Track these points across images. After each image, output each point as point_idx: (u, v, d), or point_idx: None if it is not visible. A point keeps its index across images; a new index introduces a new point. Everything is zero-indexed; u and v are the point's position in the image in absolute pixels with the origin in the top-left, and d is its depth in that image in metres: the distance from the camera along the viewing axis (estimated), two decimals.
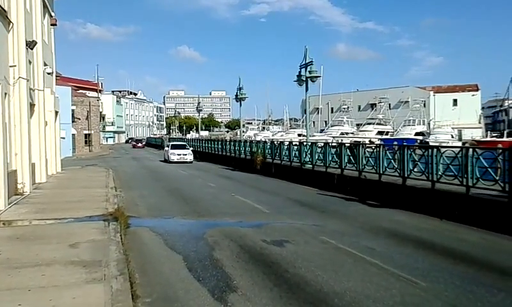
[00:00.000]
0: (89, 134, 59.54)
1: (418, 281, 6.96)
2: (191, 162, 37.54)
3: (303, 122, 78.44)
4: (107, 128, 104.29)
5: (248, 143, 33.69)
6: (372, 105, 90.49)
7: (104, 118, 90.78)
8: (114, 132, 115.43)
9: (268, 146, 28.77)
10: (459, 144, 43.14)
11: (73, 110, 53.12)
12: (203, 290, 6.66)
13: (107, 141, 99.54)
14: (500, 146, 14.04)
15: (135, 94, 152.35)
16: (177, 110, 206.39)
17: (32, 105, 18.99)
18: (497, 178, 11.60)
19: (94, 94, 72.51)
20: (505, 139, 51.39)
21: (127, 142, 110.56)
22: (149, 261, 8.38)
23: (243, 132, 62.28)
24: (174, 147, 40.34)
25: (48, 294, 5.95)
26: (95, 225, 10.58)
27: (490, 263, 8.19)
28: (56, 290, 6.15)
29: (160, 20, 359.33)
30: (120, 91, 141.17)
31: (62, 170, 26.36)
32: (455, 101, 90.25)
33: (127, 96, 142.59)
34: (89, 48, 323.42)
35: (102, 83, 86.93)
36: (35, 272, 6.89)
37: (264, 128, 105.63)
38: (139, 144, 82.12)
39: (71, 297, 5.85)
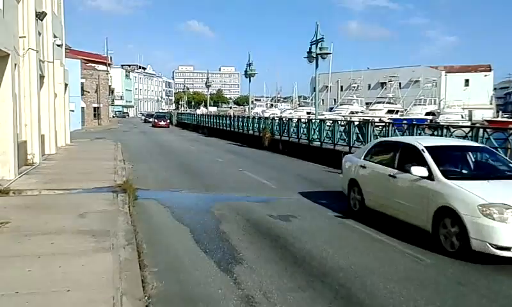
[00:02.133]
0: (98, 107, 59.69)
1: (424, 258, 6.97)
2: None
3: (311, 100, 78.01)
4: (116, 102, 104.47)
5: (256, 120, 33.64)
6: (383, 84, 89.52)
7: (113, 92, 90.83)
8: (123, 106, 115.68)
9: (276, 123, 28.70)
10: (468, 124, 42.70)
11: (82, 84, 53.17)
12: (210, 261, 6.75)
13: (115, 115, 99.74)
14: (510, 126, 13.89)
15: (144, 68, 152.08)
16: (186, 85, 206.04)
17: (41, 77, 19.05)
18: (507, 158, 11.50)
19: (103, 67, 72.35)
20: None
21: (144, 118, 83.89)
22: (156, 232, 8.48)
23: (251, 108, 62.04)
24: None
25: (58, 261, 6.07)
26: (103, 196, 10.71)
27: None
28: (65, 257, 6.26)
29: None
30: (129, 65, 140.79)
31: (71, 142, 26.60)
32: (467, 81, 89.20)
33: (136, 71, 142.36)
34: (99, 21, 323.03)
35: (111, 57, 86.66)
36: (44, 240, 7.01)
37: (272, 105, 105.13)
38: (162, 122, 60.27)
39: (80, 264, 5.96)
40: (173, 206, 10.62)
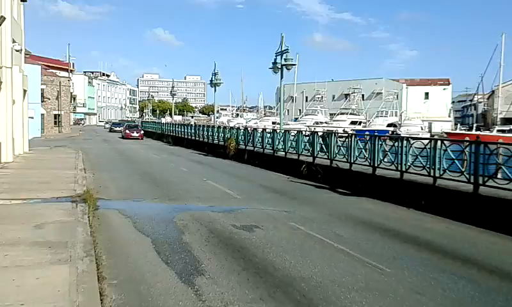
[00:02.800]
0: (58, 115, 58.08)
1: (383, 268, 7.11)
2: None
3: (277, 110, 78.62)
4: (78, 110, 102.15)
5: (222, 129, 33.57)
6: (346, 96, 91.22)
7: (74, 99, 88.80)
8: (86, 114, 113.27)
9: (242, 133, 28.71)
10: (428, 136, 43.98)
11: (42, 90, 51.75)
12: (171, 273, 6.65)
13: (81, 122, 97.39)
14: (467, 138, 14.38)
15: (108, 76, 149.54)
16: (151, 93, 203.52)
17: None
18: (463, 169, 11.92)
19: (65, 74, 70.67)
20: (475, 132, 52.79)
21: (110, 127, 75.45)
22: (117, 243, 8.29)
23: (217, 117, 61.91)
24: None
25: (11, 274, 5.83)
26: (62, 206, 10.39)
27: (453, 251, 8.43)
28: (19, 270, 6.03)
29: (135, 1, 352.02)
30: (92, 72, 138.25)
31: (30, 150, 25.74)
32: (427, 94, 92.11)
33: (99, 78, 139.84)
34: (61, 27, 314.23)
35: (73, 63, 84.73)
36: None
37: (237, 114, 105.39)
38: (135, 133, 51.07)
39: (34, 277, 5.74)
40: (134, 217, 10.42)
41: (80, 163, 20.33)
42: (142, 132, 53.33)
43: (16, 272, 5.93)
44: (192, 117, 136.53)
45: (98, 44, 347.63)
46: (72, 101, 77.17)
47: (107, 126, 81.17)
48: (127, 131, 51.65)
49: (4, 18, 17.62)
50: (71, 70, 78.41)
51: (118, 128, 63.96)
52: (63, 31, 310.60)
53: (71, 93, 69.91)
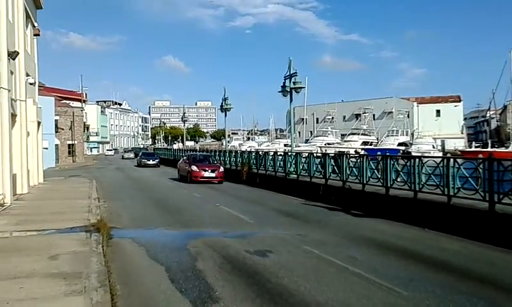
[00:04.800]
0: (72, 144, 58.91)
1: (400, 290, 7.00)
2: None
3: (288, 132, 78.81)
4: (91, 139, 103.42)
5: (233, 153, 33.72)
6: (357, 116, 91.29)
7: (88, 128, 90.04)
8: (99, 143, 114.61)
9: (253, 157, 28.80)
10: (440, 154, 43.68)
11: (56, 121, 52.59)
12: (185, 301, 6.61)
13: (91, 151, 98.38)
14: (480, 156, 14.27)
15: (120, 104, 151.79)
16: (162, 120, 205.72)
17: (13, 116, 18.78)
18: (477, 187, 11.78)
19: (78, 104, 72.02)
20: (490, 149, 52.33)
21: (122, 155, 79.70)
22: (131, 272, 8.30)
23: (228, 142, 62.15)
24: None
25: None
26: (76, 236, 10.46)
27: (470, 272, 8.29)
28: (34, 302, 6.05)
29: (145, 30, 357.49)
30: (105, 101, 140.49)
31: (44, 181, 26.04)
32: (438, 112, 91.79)
33: (111, 106, 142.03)
34: (73, 58, 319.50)
35: (86, 93, 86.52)
36: (13, 285, 6.77)
37: (249, 138, 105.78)
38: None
39: None
40: (148, 245, 10.43)
41: (94, 192, 20.51)
42: (158, 159, 50.59)
43: (32, 304, 5.96)
44: (196, 142, 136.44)
45: (110, 73, 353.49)
46: (85, 130, 78.26)
47: (113, 153, 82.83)
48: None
49: (18, 53, 18.07)
50: (84, 100, 79.87)
51: (129, 155, 67.38)
52: (75, 62, 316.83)
53: (84, 122, 71.07)
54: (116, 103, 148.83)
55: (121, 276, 7.82)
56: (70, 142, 58.50)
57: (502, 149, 53.11)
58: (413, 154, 21.02)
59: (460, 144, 70.14)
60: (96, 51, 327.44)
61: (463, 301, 6.58)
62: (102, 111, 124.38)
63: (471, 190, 11.94)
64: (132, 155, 73.70)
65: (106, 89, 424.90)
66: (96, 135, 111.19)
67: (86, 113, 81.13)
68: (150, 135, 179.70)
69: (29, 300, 6.16)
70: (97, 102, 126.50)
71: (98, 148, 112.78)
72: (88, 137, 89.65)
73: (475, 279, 7.84)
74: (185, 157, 33.14)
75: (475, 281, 7.68)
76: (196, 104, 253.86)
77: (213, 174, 27.21)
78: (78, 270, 7.51)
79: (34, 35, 25.71)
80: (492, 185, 11.15)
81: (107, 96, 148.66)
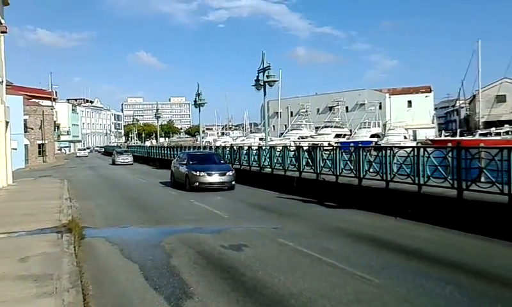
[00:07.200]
0: (43, 144, 57.62)
1: (372, 278, 7.13)
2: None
3: (263, 126, 79.10)
4: (62, 138, 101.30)
5: (207, 149, 33.58)
6: (331, 108, 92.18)
7: (58, 127, 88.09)
8: (70, 142, 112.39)
9: (227, 151, 28.74)
10: (413, 144, 44.49)
11: (25, 120, 51.32)
12: (159, 298, 6.58)
13: (62, 151, 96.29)
14: (449, 144, 14.60)
15: (91, 102, 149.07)
16: (136, 117, 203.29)
17: None
18: (446, 175, 12.05)
19: (48, 103, 70.35)
20: (458, 138, 53.65)
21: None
22: (104, 272, 8.19)
23: (203, 137, 61.89)
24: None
25: None
26: (47, 238, 10.24)
27: (440, 258, 8.49)
28: (4, 305, 5.91)
29: (116, 26, 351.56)
30: (76, 99, 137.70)
31: (14, 182, 25.40)
32: (410, 102, 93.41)
33: (83, 104, 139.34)
34: (42, 56, 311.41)
35: (56, 91, 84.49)
36: None
37: (223, 133, 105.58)
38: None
39: None
40: (121, 243, 10.31)
41: (66, 192, 20.11)
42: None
43: None
44: (165, 139, 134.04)
45: (81, 70, 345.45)
46: (56, 129, 76.60)
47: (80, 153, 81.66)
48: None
49: None
50: (54, 99, 78.09)
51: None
52: (44, 59, 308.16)
53: (54, 121, 69.52)
54: (87, 101, 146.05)
55: (94, 276, 7.72)
56: (40, 142, 57.18)
57: (470, 138, 54.50)
58: (385, 145, 21.40)
59: (431, 134, 71.72)
60: (65, 48, 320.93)
61: (433, 287, 6.74)
62: (73, 109, 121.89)
63: (440, 179, 12.21)
64: (86, 153, 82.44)
65: (77, 87, 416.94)
66: (68, 134, 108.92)
67: (56, 112, 79.35)
68: (123, 133, 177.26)
69: None
70: (68, 100, 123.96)
71: (70, 147, 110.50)
72: (58, 136, 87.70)
73: (445, 264, 8.04)
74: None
75: (444, 267, 7.87)
76: (169, 100, 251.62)
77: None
78: (49, 272, 7.36)
79: (1, 32, 24.98)
80: (460, 172, 11.43)
81: (78, 94, 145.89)
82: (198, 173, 20.47)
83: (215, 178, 20.51)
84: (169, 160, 41.91)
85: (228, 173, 20.87)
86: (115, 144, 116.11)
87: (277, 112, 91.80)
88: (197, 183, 20.21)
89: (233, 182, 20.82)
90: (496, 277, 7.28)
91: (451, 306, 6.07)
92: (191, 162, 21.81)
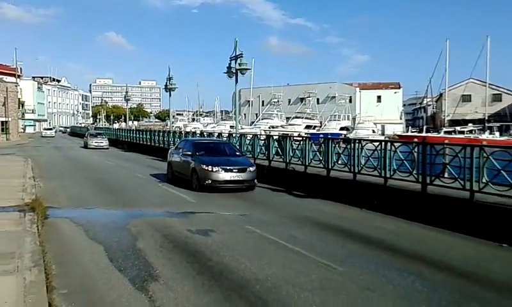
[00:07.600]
0: (6, 122, 55.83)
1: (336, 266, 7.27)
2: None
3: (234, 114, 78.97)
4: (27, 116, 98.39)
5: (177, 134, 33.28)
6: (302, 100, 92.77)
7: (23, 105, 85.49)
8: (35, 120, 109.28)
9: (197, 137, 28.55)
10: (381, 138, 45.29)
11: None
12: (124, 280, 6.53)
13: (25, 130, 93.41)
14: (415, 140, 14.95)
15: (58, 81, 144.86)
16: (104, 99, 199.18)
17: None
18: (412, 170, 12.36)
19: (12, 79, 68.12)
20: (424, 134, 54.96)
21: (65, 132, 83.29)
22: (68, 252, 8.07)
23: (173, 122, 61.25)
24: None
25: None
26: (9, 216, 9.98)
27: (403, 249, 8.73)
28: None
29: (84, 4, 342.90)
30: (42, 78, 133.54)
31: None
32: (379, 97, 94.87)
33: (49, 83, 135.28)
34: (6, 31, 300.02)
35: (21, 68, 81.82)
36: None
37: (194, 119, 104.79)
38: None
39: None
40: (87, 224, 10.15)
41: (29, 171, 19.59)
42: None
43: None
44: (133, 122, 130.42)
45: (47, 48, 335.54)
46: (21, 107, 74.32)
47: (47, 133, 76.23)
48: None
49: None
50: (18, 75, 75.58)
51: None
52: (8, 35, 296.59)
53: (19, 98, 67.47)
54: (54, 79, 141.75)
55: (57, 256, 7.59)
56: (3, 119, 55.39)
57: (435, 135, 55.93)
58: (354, 138, 21.79)
59: (399, 130, 73.19)
60: (31, 24, 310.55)
61: (394, 276, 6.93)
62: (38, 88, 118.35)
63: (406, 173, 12.51)
64: (53, 133, 77.16)
65: (43, 66, 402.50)
66: (33, 112, 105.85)
67: (21, 89, 76.88)
68: (91, 114, 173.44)
69: None
70: (33, 77, 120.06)
71: (35, 126, 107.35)
72: (23, 114, 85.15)
73: (407, 255, 8.27)
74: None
75: (406, 258, 8.11)
76: (140, 83, 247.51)
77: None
78: (10, 251, 7.19)
79: None
80: (425, 167, 11.74)
81: (44, 73, 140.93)
82: (210, 167, 15.59)
83: (233, 174, 15.73)
84: (137, 144, 41.50)
85: (249, 169, 16.09)
86: (82, 125, 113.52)
87: (248, 101, 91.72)
88: (209, 181, 15.46)
89: (256, 180, 16.28)
90: (455, 269, 7.54)
91: (412, 295, 6.26)
92: (197, 153, 16.82)
